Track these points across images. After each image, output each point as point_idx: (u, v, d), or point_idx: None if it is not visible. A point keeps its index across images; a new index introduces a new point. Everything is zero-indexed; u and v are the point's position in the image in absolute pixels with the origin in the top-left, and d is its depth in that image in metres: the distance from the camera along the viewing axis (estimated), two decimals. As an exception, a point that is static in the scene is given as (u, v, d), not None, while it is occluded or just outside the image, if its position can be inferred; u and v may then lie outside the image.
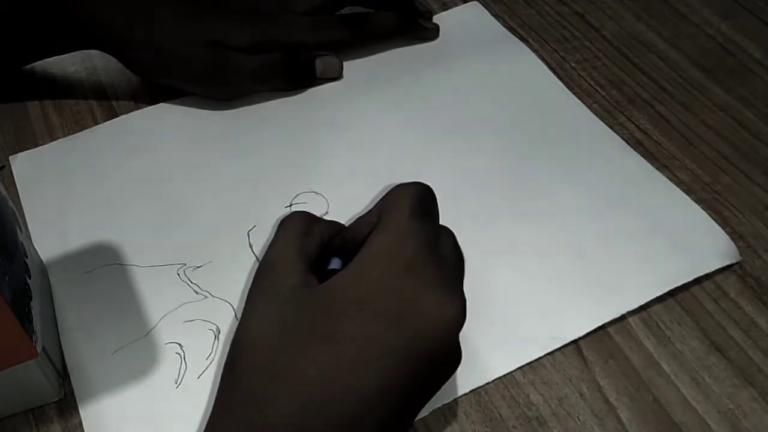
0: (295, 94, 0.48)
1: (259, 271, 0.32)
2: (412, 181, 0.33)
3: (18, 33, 0.45)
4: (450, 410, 0.34)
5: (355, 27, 0.49)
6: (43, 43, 0.47)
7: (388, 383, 0.28)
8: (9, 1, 0.44)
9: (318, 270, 0.32)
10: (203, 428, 0.34)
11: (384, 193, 0.33)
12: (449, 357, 0.30)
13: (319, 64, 0.47)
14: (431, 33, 0.51)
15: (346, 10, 0.52)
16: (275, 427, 0.27)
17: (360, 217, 0.33)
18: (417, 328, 0.28)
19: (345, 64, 0.49)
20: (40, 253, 0.39)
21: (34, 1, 0.44)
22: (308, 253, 0.32)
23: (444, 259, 0.31)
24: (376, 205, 0.33)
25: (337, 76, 0.48)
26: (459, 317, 0.29)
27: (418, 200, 0.32)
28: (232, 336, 0.36)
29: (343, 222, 0.36)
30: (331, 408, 0.27)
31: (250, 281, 0.38)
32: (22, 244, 0.35)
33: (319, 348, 0.28)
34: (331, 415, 0.27)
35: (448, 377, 0.31)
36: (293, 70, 0.47)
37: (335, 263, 0.33)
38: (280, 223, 0.34)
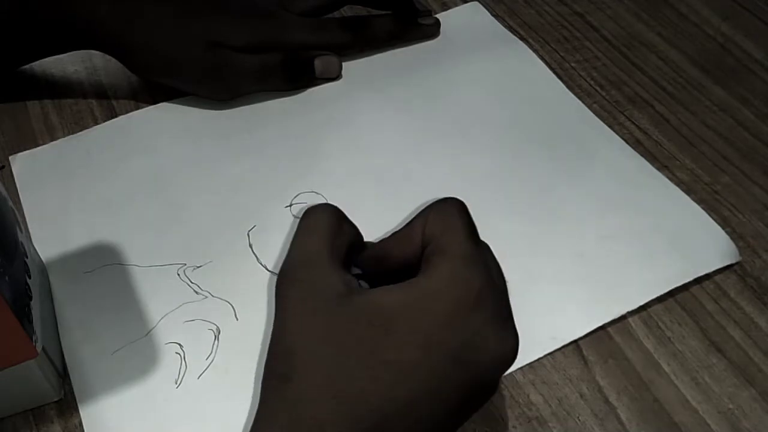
0: (295, 93, 0.48)
1: (294, 264, 0.31)
2: (449, 197, 0.31)
3: (18, 33, 0.45)
4: (450, 410, 0.34)
5: (355, 31, 0.49)
6: (42, 43, 0.47)
7: (447, 416, 0.28)
8: (9, 1, 0.44)
9: None
10: (203, 428, 0.34)
11: (416, 209, 0.31)
12: (492, 388, 0.30)
13: (319, 63, 0.47)
14: (432, 30, 0.51)
15: (345, 10, 0.52)
16: None
17: (397, 233, 0.32)
18: (476, 365, 0.28)
19: (345, 64, 0.49)
20: (40, 253, 0.39)
21: (35, 2, 0.44)
22: (340, 253, 0.31)
23: (500, 288, 0.30)
24: (414, 222, 0.31)
25: (337, 76, 0.48)
26: (514, 352, 0.29)
27: (469, 221, 0.31)
28: (232, 336, 0.37)
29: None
30: None
31: (250, 281, 0.38)
32: (22, 244, 0.35)
33: (381, 374, 0.27)
34: None
35: (482, 405, 0.31)
36: (293, 70, 0.47)
37: (355, 270, 0.32)
38: (308, 214, 0.32)
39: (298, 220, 0.37)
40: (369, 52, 0.50)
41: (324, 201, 0.42)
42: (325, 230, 0.31)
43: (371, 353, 0.27)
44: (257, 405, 0.29)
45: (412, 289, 0.28)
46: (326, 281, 0.29)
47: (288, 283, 0.30)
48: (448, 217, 0.30)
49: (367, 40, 0.49)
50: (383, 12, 0.50)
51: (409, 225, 0.32)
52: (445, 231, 0.30)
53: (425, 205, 0.32)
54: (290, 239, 0.32)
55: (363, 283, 0.32)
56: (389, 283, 0.29)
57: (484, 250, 0.31)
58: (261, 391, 0.29)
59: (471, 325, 0.28)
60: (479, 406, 0.30)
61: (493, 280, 0.29)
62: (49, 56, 0.49)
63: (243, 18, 0.46)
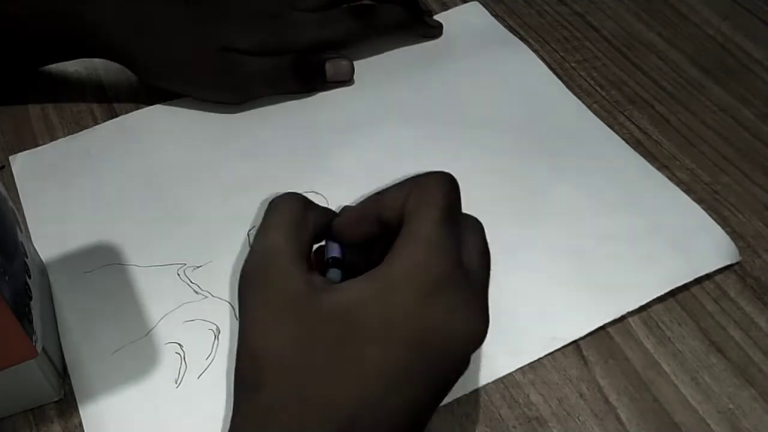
0: (301, 96, 0.48)
1: (254, 265, 0.30)
2: (435, 171, 0.30)
3: (26, 41, 0.45)
4: (450, 410, 0.34)
5: (363, 19, 0.48)
6: (49, 51, 0.47)
7: (415, 406, 0.28)
8: (18, 9, 0.44)
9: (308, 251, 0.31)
10: (203, 428, 0.34)
11: (405, 177, 0.31)
12: (463, 367, 0.30)
13: (330, 67, 0.47)
14: (435, 31, 0.51)
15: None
16: None
17: (375, 203, 0.31)
18: (443, 351, 0.28)
19: (345, 64, 0.49)
20: (40, 253, 0.39)
21: (43, 12, 0.44)
22: (304, 245, 0.30)
23: (471, 270, 0.30)
24: (394, 191, 0.30)
25: (349, 80, 0.48)
26: (482, 334, 0.29)
27: (449, 202, 0.30)
28: (232, 336, 0.37)
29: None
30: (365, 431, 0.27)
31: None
32: (22, 244, 0.35)
33: (346, 371, 0.27)
34: None
35: (454, 383, 0.31)
36: (303, 73, 0.47)
37: (335, 250, 0.32)
38: (270, 207, 0.31)
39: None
40: (374, 45, 0.50)
41: (324, 201, 0.42)
42: (286, 226, 0.30)
43: (337, 353, 0.27)
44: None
45: (373, 281, 0.28)
46: (287, 282, 0.29)
47: (248, 286, 0.30)
48: (427, 194, 0.29)
49: (375, 28, 0.49)
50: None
51: (388, 193, 0.31)
52: (418, 210, 0.29)
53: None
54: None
55: (333, 272, 0.31)
56: (365, 254, 0.30)
57: (466, 226, 0.31)
58: (234, 400, 0.29)
59: (433, 312, 0.28)
60: (451, 386, 0.30)
61: (460, 264, 0.29)
62: (56, 62, 0.49)
63: (252, 21, 0.46)
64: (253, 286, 0.30)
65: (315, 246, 0.32)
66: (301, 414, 0.27)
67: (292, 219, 0.30)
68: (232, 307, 0.38)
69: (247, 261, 0.30)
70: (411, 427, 0.28)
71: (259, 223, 0.41)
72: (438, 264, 0.28)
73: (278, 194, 0.32)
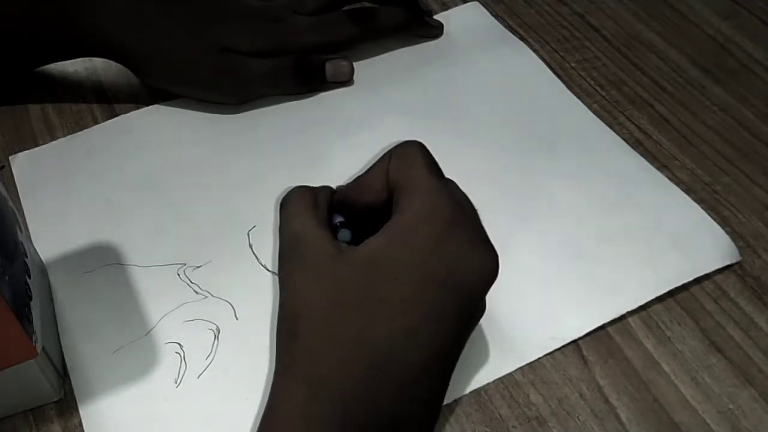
0: (301, 96, 0.48)
1: (287, 247, 0.33)
2: (407, 140, 0.34)
3: (25, 41, 0.45)
4: (450, 410, 0.35)
5: (363, 22, 0.49)
6: (49, 50, 0.47)
7: (442, 341, 0.30)
8: (18, 10, 0.44)
9: None
10: (203, 428, 0.34)
11: (378, 155, 0.34)
12: (482, 307, 0.33)
13: (330, 67, 0.47)
14: (436, 31, 0.51)
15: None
16: (343, 386, 0.29)
17: (360, 179, 0.34)
18: (464, 286, 0.30)
19: (345, 64, 0.49)
20: (40, 253, 0.39)
21: (42, 13, 0.44)
22: (322, 221, 0.33)
23: (471, 214, 0.32)
24: (377, 165, 0.34)
25: (348, 80, 0.48)
26: (496, 268, 0.31)
27: (429, 158, 0.33)
28: (232, 336, 0.37)
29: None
30: (395, 368, 0.29)
31: (250, 281, 0.38)
32: (22, 244, 0.35)
33: (377, 312, 0.29)
34: (393, 374, 0.29)
35: (476, 322, 0.33)
36: (303, 74, 0.47)
37: (344, 235, 0.34)
38: (284, 201, 0.35)
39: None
40: (375, 46, 0.50)
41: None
42: (304, 209, 0.34)
43: (364, 297, 0.29)
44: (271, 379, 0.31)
45: (389, 232, 0.31)
46: (317, 250, 0.31)
47: (285, 261, 0.33)
48: (408, 157, 0.33)
49: (375, 30, 0.49)
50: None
51: (369, 172, 0.34)
52: (409, 172, 0.32)
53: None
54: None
55: (344, 233, 0.34)
56: (368, 221, 0.33)
57: (449, 183, 0.33)
58: (276, 349, 0.32)
59: (450, 250, 0.30)
60: (473, 326, 0.32)
61: (462, 207, 0.32)
62: (56, 62, 0.49)
63: (252, 23, 0.46)
64: (288, 255, 0.33)
65: None
66: (337, 351, 0.29)
67: (307, 203, 0.34)
68: (232, 306, 0.38)
69: (280, 248, 0.34)
70: (439, 363, 0.30)
71: (259, 222, 0.42)
72: (442, 208, 0.31)
73: (284, 194, 0.36)
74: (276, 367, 0.31)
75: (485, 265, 0.31)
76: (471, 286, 0.30)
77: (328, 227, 0.34)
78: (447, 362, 0.31)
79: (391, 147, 0.34)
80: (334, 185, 0.37)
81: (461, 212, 0.31)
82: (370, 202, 0.33)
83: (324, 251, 0.31)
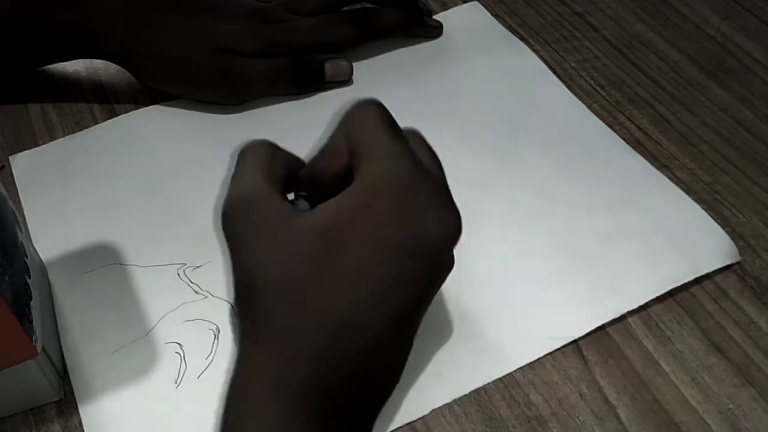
0: (300, 96, 0.48)
1: (234, 200, 0.31)
2: (362, 99, 0.33)
3: (25, 42, 0.45)
4: (450, 410, 0.35)
5: (362, 23, 0.49)
6: (48, 52, 0.47)
7: (406, 305, 0.30)
8: (18, 11, 0.44)
9: None
10: (203, 428, 0.34)
11: (334, 121, 0.33)
12: (448, 265, 0.32)
13: (329, 67, 0.47)
14: (435, 31, 0.51)
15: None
16: (308, 352, 0.28)
17: (322, 150, 0.33)
18: (425, 248, 0.30)
19: (345, 64, 0.49)
20: (40, 253, 0.39)
21: (41, 16, 0.44)
22: (277, 181, 0.32)
23: (432, 172, 0.31)
24: (336, 134, 0.32)
25: (347, 80, 0.48)
26: (458, 228, 0.31)
27: (387, 117, 0.32)
28: (232, 336, 0.37)
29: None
30: (359, 332, 0.29)
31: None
32: (22, 244, 0.35)
33: (338, 278, 0.29)
34: (358, 340, 0.29)
35: (440, 284, 0.32)
36: (302, 74, 0.47)
37: (302, 206, 0.33)
38: (241, 153, 0.33)
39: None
40: (375, 46, 0.50)
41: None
42: (258, 162, 0.32)
43: (324, 264, 0.29)
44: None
45: (348, 198, 0.30)
46: (268, 210, 0.30)
47: (231, 220, 0.31)
48: (365, 120, 0.32)
49: (374, 31, 0.49)
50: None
51: (332, 138, 0.33)
52: (365, 134, 0.31)
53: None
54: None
55: (302, 204, 0.33)
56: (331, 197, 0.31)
57: (410, 138, 0.32)
58: (237, 319, 0.31)
59: (409, 214, 0.29)
60: (440, 284, 0.32)
61: (422, 167, 0.31)
62: (54, 63, 0.49)
63: (251, 23, 0.46)
64: (236, 217, 0.31)
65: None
66: (301, 319, 0.28)
67: (264, 155, 0.33)
68: (232, 306, 0.38)
69: (225, 200, 0.32)
70: (402, 326, 0.30)
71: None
72: (403, 170, 0.30)
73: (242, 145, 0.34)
74: (239, 332, 0.30)
75: (446, 227, 0.30)
76: (432, 247, 0.30)
77: (282, 189, 0.32)
78: (410, 325, 0.31)
79: (347, 110, 0.33)
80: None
81: (421, 174, 0.30)
82: (341, 167, 0.32)
83: (276, 214, 0.30)
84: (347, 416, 0.29)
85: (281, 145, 0.45)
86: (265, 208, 0.31)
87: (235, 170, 0.33)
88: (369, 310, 0.29)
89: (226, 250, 0.40)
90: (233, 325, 0.37)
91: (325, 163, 0.33)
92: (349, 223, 0.29)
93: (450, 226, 0.31)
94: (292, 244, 0.29)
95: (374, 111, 0.32)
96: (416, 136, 0.33)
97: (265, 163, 0.32)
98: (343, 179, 0.31)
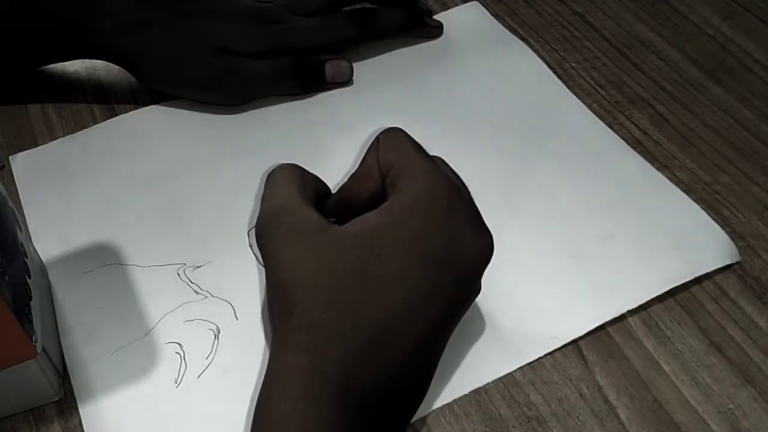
0: (300, 96, 0.48)
1: (268, 217, 0.32)
2: (389, 127, 0.34)
3: (25, 42, 0.45)
4: (450, 410, 0.35)
5: (363, 24, 0.49)
6: (48, 52, 0.47)
7: (438, 318, 0.30)
8: (18, 11, 0.44)
9: None
10: (203, 428, 0.34)
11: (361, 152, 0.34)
12: (478, 286, 0.33)
13: (329, 68, 0.47)
14: (436, 31, 0.51)
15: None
16: (343, 358, 0.29)
17: (354, 176, 0.34)
18: (461, 265, 0.31)
19: (345, 64, 0.49)
20: (40, 253, 0.39)
21: (42, 17, 0.44)
22: (310, 198, 0.33)
23: (466, 193, 0.33)
24: (366, 159, 0.33)
25: (348, 81, 0.48)
26: (491, 248, 0.32)
27: (415, 141, 0.33)
28: (232, 336, 0.37)
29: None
30: (392, 342, 0.29)
31: (250, 281, 0.38)
32: (22, 244, 0.35)
33: (375, 287, 0.29)
34: (394, 347, 0.29)
35: (470, 303, 0.33)
36: (303, 75, 0.47)
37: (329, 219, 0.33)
38: (270, 175, 0.35)
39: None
40: (375, 47, 0.50)
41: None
42: (291, 180, 0.34)
43: (361, 272, 0.30)
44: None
45: (387, 211, 0.31)
46: (305, 220, 0.31)
47: (268, 229, 0.32)
48: (398, 143, 0.33)
49: (375, 31, 0.49)
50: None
51: (363, 162, 0.34)
52: (400, 155, 0.32)
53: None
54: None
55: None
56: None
57: (437, 160, 0.34)
58: (270, 325, 0.32)
59: (447, 230, 0.30)
60: (467, 305, 0.33)
61: (457, 186, 0.32)
62: (54, 63, 0.49)
63: (251, 24, 0.46)
64: (273, 229, 0.32)
65: None
66: (335, 326, 0.29)
67: (295, 175, 0.34)
68: (232, 306, 0.38)
69: (260, 214, 0.33)
70: (433, 339, 0.31)
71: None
72: (439, 187, 0.31)
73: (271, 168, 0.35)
74: (272, 341, 0.31)
75: (482, 245, 0.31)
76: (468, 265, 0.31)
77: (314, 204, 0.33)
78: (440, 339, 0.31)
79: (375, 137, 0.34)
80: (333, 185, 0.37)
81: (458, 192, 0.32)
82: (374, 190, 0.33)
83: (313, 224, 0.31)
84: (378, 425, 0.30)
85: (281, 144, 0.45)
86: (302, 217, 0.31)
87: (265, 190, 0.34)
88: (405, 318, 0.29)
89: (227, 250, 0.40)
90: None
91: (356, 187, 0.34)
92: (387, 234, 0.30)
93: (484, 245, 0.31)
94: (329, 252, 0.30)
95: (404, 134, 0.33)
96: (440, 159, 0.34)
97: (297, 182, 0.34)
98: (375, 204, 0.32)
